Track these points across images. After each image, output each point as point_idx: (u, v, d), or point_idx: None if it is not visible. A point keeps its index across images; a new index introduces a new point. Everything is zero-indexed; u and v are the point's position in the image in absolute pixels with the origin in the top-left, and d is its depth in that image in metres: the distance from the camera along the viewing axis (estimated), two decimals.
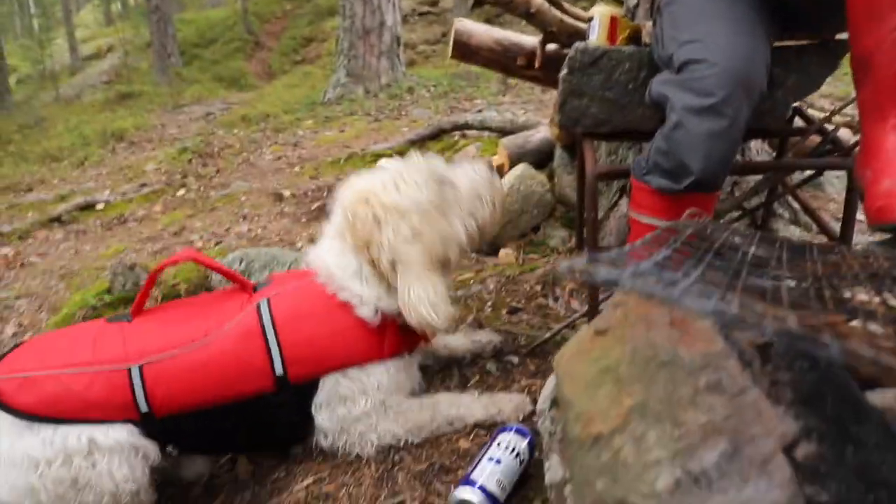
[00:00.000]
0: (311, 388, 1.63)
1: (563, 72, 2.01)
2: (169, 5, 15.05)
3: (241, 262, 2.98)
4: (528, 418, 1.74)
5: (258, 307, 1.64)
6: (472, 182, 1.77)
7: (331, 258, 1.70)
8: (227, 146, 6.25)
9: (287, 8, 18.87)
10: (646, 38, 2.08)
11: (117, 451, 1.49)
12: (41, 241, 4.57)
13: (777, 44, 1.78)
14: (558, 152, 3.47)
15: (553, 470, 1.05)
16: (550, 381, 1.12)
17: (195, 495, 1.76)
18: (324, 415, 1.65)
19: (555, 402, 1.06)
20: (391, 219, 1.61)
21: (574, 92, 2.02)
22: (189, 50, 16.78)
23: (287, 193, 4.26)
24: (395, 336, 1.69)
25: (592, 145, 2.08)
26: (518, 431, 1.54)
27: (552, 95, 6.62)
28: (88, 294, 3.12)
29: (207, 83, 13.79)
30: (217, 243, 3.53)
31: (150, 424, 1.54)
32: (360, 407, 1.64)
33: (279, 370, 1.58)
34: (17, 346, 1.65)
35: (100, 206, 5.00)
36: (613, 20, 2.01)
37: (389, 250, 1.61)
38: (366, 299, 1.65)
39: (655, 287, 0.54)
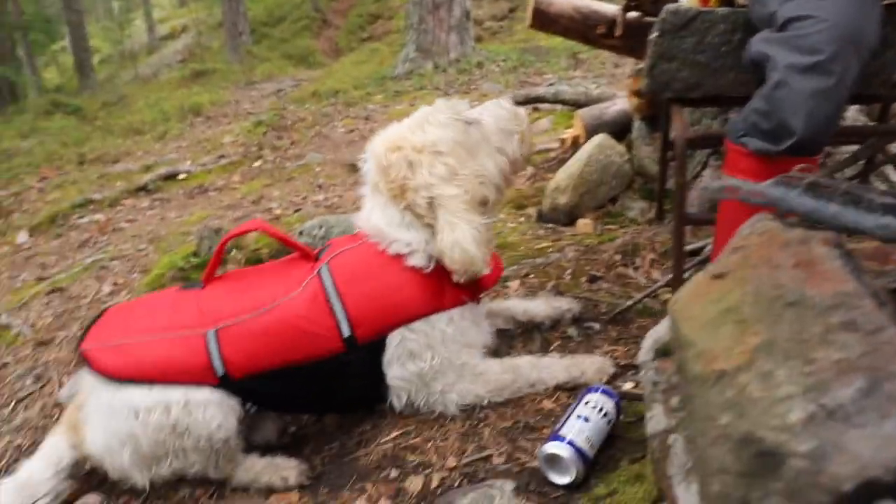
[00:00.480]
0: (380, 346, 1.65)
1: (653, 34, 1.97)
2: None
3: (320, 229, 3.06)
4: (610, 382, 1.74)
5: (320, 272, 1.67)
6: (498, 118, 1.75)
7: (375, 215, 1.71)
8: (300, 120, 6.39)
9: None
10: (740, 0, 2.01)
11: (209, 403, 1.57)
12: (129, 209, 4.80)
13: (888, 1, 1.69)
14: (637, 124, 3.40)
15: (656, 420, 1.05)
16: (651, 336, 1.11)
17: (284, 443, 1.84)
18: (395, 372, 1.67)
19: (659, 353, 1.06)
20: (425, 159, 1.61)
21: (664, 55, 1.97)
22: (259, 28, 17.12)
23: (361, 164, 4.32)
24: (454, 284, 1.68)
25: (682, 110, 2.03)
26: (605, 392, 1.55)
27: (626, 69, 6.46)
28: (176, 256, 3.27)
29: (277, 61, 14.07)
30: (296, 211, 3.63)
31: (227, 387, 1.60)
32: (428, 362, 1.65)
33: (346, 331, 1.61)
34: (99, 316, 1.75)
35: (182, 176, 5.21)
36: None
37: (426, 191, 1.60)
38: (415, 246, 1.65)
39: (820, 205, 0.53)
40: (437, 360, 1.66)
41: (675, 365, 0.93)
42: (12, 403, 2.31)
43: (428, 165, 1.60)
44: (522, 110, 1.80)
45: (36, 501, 1.66)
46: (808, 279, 0.74)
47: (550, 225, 2.90)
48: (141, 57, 20.25)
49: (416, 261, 1.65)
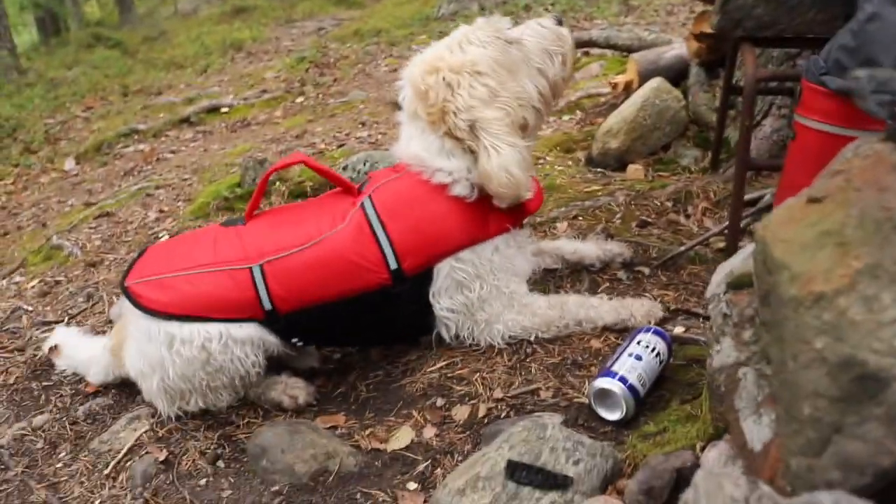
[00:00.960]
0: (427, 277, 1.63)
1: None
2: None
3: (365, 164, 3.04)
4: (660, 326, 1.71)
5: (363, 205, 1.63)
6: (540, 38, 1.65)
7: (413, 144, 1.65)
8: (343, 57, 6.31)
9: None
10: None
11: (248, 341, 1.58)
12: (173, 139, 4.84)
13: None
14: (694, 69, 3.27)
15: (724, 353, 1.02)
16: (722, 269, 1.08)
17: (329, 369, 1.87)
18: (443, 303, 1.65)
19: (732, 286, 1.02)
20: (464, 79, 1.54)
21: None
22: None
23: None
24: (497, 211, 1.63)
25: (752, 49, 1.93)
26: (657, 333, 1.52)
27: (680, 17, 6.21)
28: (221, 186, 3.29)
29: None
30: (340, 146, 3.61)
31: (274, 321, 1.60)
32: (477, 291, 1.63)
33: (393, 264, 1.58)
34: (141, 253, 1.75)
35: (224, 110, 5.21)
36: None
37: (467, 111, 1.53)
38: (457, 175, 1.61)
39: None
40: (485, 289, 1.63)
41: (755, 295, 0.89)
42: (66, 319, 2.38)
43: (468, 87, 1.53)
44: (565, 30, 1.69)
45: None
46: None
47: (600, 169, 2.83)
48: None
49: (459, 190, 1.61)
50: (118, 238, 3.10)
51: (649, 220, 2.29)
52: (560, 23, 1.70)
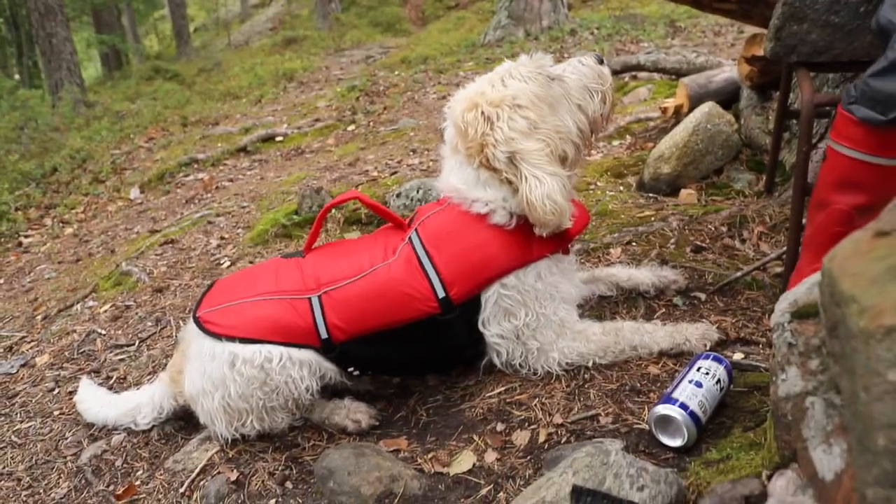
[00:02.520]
0: (476, 305, 1.68)
1: None
2: None
3: (418, 191, 3.12)
4: (717, 351, 1.71)
5: (411, 238, 1.71)
6: (581, 75, 1.70)
7: (453, 177, 1.71)
8: (392, 86, 6.47)
9: None
10: None
11: (306, 363, 1.66)
12: (230, 168, 5.02)
13: None
14: (746, 93, 3.26)
15: (791, 382, 1.03)
16: (786, 298, 1.09)
17: (388, 394, 1.91)
18: (492, 330, 1.70)
19: (797, 315, 1.03)
20: (503, 112, 1.58)
21: (795, 16, 1.88)
22: None
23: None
24: (538, 237, 1.66)
25: (808, 74, 1.94)
26: (717, 359, 1.52)
27: (728, 38, 6.17)
28: (279, 214, 3.41)
29: (365, 28, 14.21)
30: (392, 174, 3.70)
31: (329, 349, 1.68)
32: (523, 319, 1.67)
33: (441, 292, 1.64)
34: (210, 286, 1.86)
35: (279, 139, 5.39)
36: None
37: (506, 145, 1.57)
38: (493, 204, 1.65)
39: None
40: (531, 317, 1.67)
41: (822, 325, 0.91)
42: (136, 343, 2.50)
43: (507, 119, 1.58)
44: (606, 69, 1.74)
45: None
46: None
47: (651, 195, 2.84)
48: (234, 25, 20.89)
49: (498, 219, 1.66)
50: (182, 264, 3.23)
51: (704, 245, 2.29)
52: (601, 62, 1.74)
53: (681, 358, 1.71)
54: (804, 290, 1.08)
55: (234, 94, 8.39)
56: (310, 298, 1.68)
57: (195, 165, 5.21)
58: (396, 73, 7.33)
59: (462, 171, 1.70)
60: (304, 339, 1.67)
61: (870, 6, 1.80)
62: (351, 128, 5.26)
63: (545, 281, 1.69)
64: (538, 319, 1.69)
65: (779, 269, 2.10)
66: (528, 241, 1.67)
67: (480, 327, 1.71)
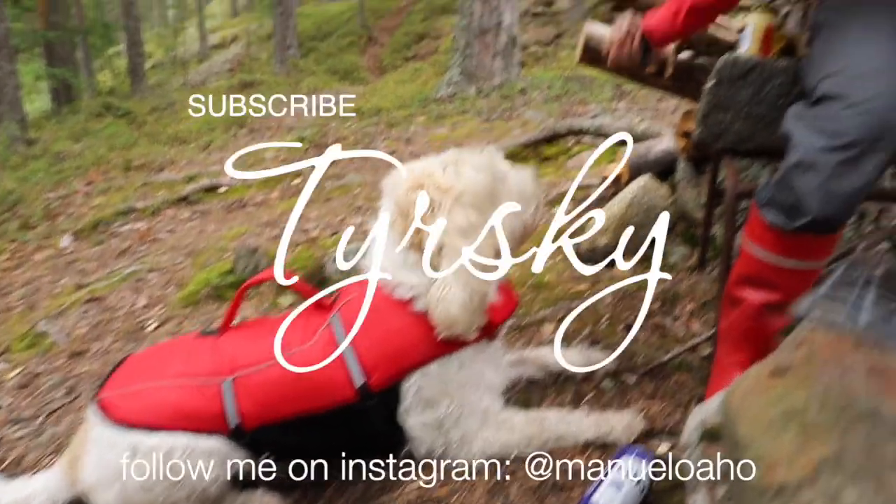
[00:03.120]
0: (395, 394, 1.62)
1: (710, 83, 1.92)
2: None
3: (357, 256, 3.05)
4: (641, 439, 1.68)
5: (331, 320, 1.65)
6: (521, 181, 1.71)
7: (381, 255, 1.66)
8: (342, 138, 6.45)
9: (402, 4, 19.24)
10: (802, 51, 1.95)
11: (213, 454, 1.55)
12: (170, 219, 4.88)
13: None
14: (682, 165, 3.32)
15: None
16: (697, 414, 1.06)
17: (304, 483, 1.81)
18: (413, 421, 1.64)
19: (707, 435, 1.00)
20: (447, 203, 1.54)
21: (719, 105, 1.92)
22: (307, 42, 17.45)
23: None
24: None
25: (734, 163, 1.97)
26: (639, 455, 1.49)
27: (670, 104, 6.38)
28: (212, 273, 3.30)
29: (322, 75, 14.29)
30: (333, 234, 3.63)
31: (240, 437, 1.58)
32: (444, 409, 1.61)
33: (359, 380, 1.58)
34: (119, 363, 1.75)
35: (222, 189, 5.29)
36: (769, 30, 1.90)
37: (440, 237, 1.53)
38: (418, 291, 1.60)
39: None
40: (453, 407, 1.61)
41: (727, 456, 0.87)
42: (41, 416, 2.33)
43: (449, 211, 1.54)
44: (540, 184, 1.79)
45: None
46: (883, 389, 0.69)
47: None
48: (192, 64, 20.80)
49: (422, 306, 1.60)
50: (105, 325, 3.08)
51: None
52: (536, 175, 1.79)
53: (607, 448, 1.67)
54: (714, 408, 1.05)
55: (183, 139, 8.25)
56: (221, 383, 1.59)
57: (133, 214, 5.05)
58: (348, 124, 7.34)
59: (390, 250, 1.65)
60: (213, 426, 1.57)
61: (787, 99, 1.86)
62: (296, 181, 5.20)
63: (469, 369, 1.64)
64: (461, 409, 1.63)
65: (708, 351, 2.10)
66: None
67: (401, 417, 1.64)
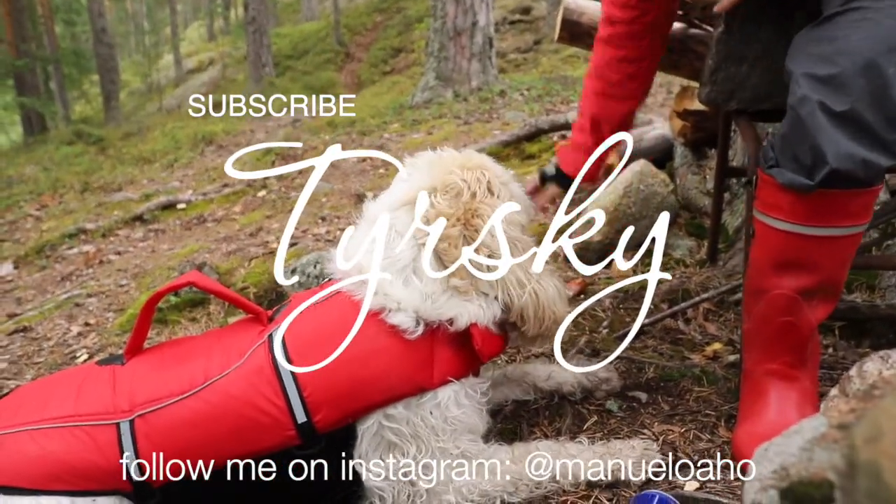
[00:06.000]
0: (347, 436, 1.24)
1: (719, 30, 1.56)
2: (265, 18, 15.43)
3: (316, 266, 2.68)
4: (657, 474, 1.31)
5: (270, 338, 1.26)
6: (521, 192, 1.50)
7: (382, 257, 1.28)
8: (312, 148, 6.10)
9: (377, 20, 19.05)
10: None
11: None
12: (122, 239, 4.49)
13: None
14: (680, 150, 2.99)
15: None
16: (767, 456, 0.68)
17: None
18: (371, 471, 1.25)
19: (791, 497, 0.62)
20: (506, 196, 1.35)
21: (731, 56, 1.57)
22: (283, 62, 17.19)
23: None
24: (448, 354, 1.26)
25: (751, 125, 1.62)
26: (662, 501, 1.11)
27: (658, 97, 6.07)
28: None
29: (298, 92, 13.96)
30: (292, 245, 3.25)
31: (145, 496, 1.19)
32: (413, 454, 1.25)
33: (301, 417, 1.20)
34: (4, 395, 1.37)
35: (181, 206, 4.91)
36: None
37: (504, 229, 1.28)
38: (405, 304, 1.25)
39: None
40: (425, 452, 1.24)
41: None
42: None
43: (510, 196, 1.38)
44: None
45: None
46: None
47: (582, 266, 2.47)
48: (168, 89, 20.48)
49: (399, 319, 1.23)
50: (29, 358, 2.67)
51: (642, 327, 1.91)
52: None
53: (616, 491, 1.29)
54: (795, 451, 0.66)
55: (148, 159, 7.86)
56: (118, 424, 1.19)
57: (82, 237, 4.64)
58: (321, 135, 6.98)
59: (395, 244, 1.29)
60: (107, 483, 1.16)
61: None
62: (261, 193, 4.82)
63: (447, 412, 1.26)
64: (433, 455, 1.25)
65: (732, 358, 1.73)
66: (431, 357, 1.26)
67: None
